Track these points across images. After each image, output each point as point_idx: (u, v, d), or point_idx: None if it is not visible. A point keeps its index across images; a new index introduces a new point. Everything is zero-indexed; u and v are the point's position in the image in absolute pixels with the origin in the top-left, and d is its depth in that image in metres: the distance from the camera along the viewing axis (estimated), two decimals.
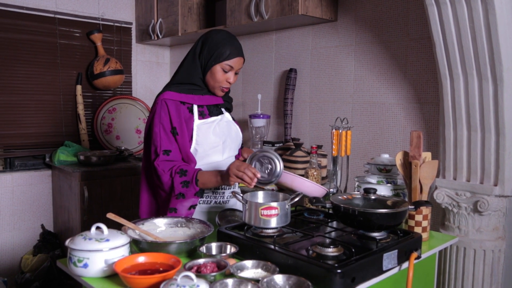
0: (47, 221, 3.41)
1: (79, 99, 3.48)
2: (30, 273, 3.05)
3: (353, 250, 1.24)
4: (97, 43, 3.55)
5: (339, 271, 1.14)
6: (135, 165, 3.23)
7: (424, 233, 1.61)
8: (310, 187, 1.73)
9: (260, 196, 1.55)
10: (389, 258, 1.30)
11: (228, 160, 1.81)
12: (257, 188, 1.95)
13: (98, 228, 1.29)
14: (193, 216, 1.73)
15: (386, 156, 1.95)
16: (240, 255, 1.34)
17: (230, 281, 1.12)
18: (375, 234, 1.39)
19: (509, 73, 1.80)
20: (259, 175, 1.55)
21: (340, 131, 1.96)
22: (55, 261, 2.92)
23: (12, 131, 3.26)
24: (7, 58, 3.20)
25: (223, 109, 1.88)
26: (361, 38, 2.59)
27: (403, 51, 2.40)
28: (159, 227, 1.54)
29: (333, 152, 1.98)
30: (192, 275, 1.07)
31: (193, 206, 1.72)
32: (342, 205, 1.40)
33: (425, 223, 1.61)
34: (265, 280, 1.12)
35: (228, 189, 1.81)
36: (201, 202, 1.77)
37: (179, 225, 1.56)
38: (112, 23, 3.67)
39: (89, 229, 1.29)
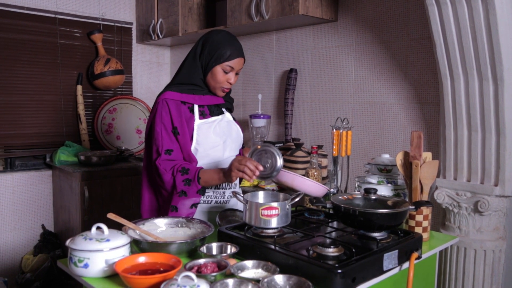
0: (48, 221, 3.41)
1: (80, 99, 3.49)
2: (31, 273, 3.05)
3: (354, 250, 1.24)
4: (98, 43, 3.55)
5: (339, 271, 1.14)
6: (136, 165, 3.23)
7: (425, 233, 1.61)
8: (311, 186, 1.73)
9: (261, 196, 1.55)
10: (390, 258, 1.30)
11: (228, 159, 1.81)
12: (257, 188, 1.96)
13: (98, 228, 1.29)
14: (193, 216, 1.73)
15: (386, 156, 1.95)
16: (241, 255, 1.34)
17: (230, 281, 1.12)
18: (375, 234, 1.39)
19: (510, 73, 1.80)
20: (260, 168, 1.56)
21: (341, 131, 1.96)
22: (56, 261, 2.93)
23: (12, 131, 3.26)
24: (8, 58, 3.20)
25: (224, 109, 1.88)
26: (362, 38, 2.59)
27: (404, 51, 2.40)
28: (160, 227, 1.54)
29: (334, 152, 1.98)
30: (193, 275, 1.07)
31: (194, 205, 1.72)
32: (342, 205, 1.40)
33: (425, 223, 1.61)
34: (265, 280, 1.12)
35: (229, 188, 1.82)
36: (201, 201, 1.77)
37: (179, 225, 1.56)
38: (112, 23, 3.67)
39: (89, 229, 1.30)
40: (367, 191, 1.50)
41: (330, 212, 1.64)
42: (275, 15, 2.60)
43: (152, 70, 3.99)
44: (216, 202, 1.80)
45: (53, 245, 3.24)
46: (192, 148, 1.74)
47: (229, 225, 1.53)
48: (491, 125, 1.89)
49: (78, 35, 3.51)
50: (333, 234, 1.47)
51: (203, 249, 1.35)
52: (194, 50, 1.79)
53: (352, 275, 1.17)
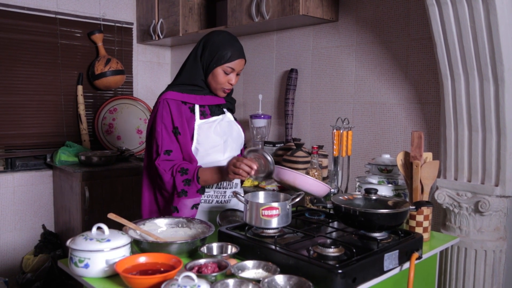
0: (48, 221, 3.41)
1: (80, 99, 3.49)
2: (31, 273, 3.05)
3: (354, 250, 1.24)
4: (98, 44, 3.55)
5: (340, 271, 1.14)
6: (136, 165, 3.23)
7: (425, 234, 1.61)
8: (313, 185, 1.72)
9: (261, 196, 1.55)
10: (390, 259, 1.30)
11: (229, 159, 1.82)
12: (258, 188, 1.96)
13: (99, 228, 1.29)
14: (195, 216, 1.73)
15: (387, 156, 1.95)
16: (241, 255, 1.34)
17: (231, 282, 1.12)
18: (376, 235, 1.39)
19: (510, 73, 1.80)
20: (255, 166, 1.57)
21: (341, 131, 1.96)
22: (56, 261, 2.93)
23: (13, 131, 3.26)
24: (8, 59, 3.20)
25: (225, 109, 1.88)
26: (362, 38, 2.58)
27: (404, 51, 2.40)
28: (160, 227, 1.54)
29: (334, 152, 1.98)
30: (193, 275, 1.07)
31: (195, 206, 1.72)
32: (343, 206, 1.40)
33: (426, 224, 1.61)
34: (266, 280, 1.12)
35: (230, 188, 1.82)
36: (202, 201, 1.77)
37: (180, 225, 1.56)
38: (113, 24, 3.67)
39: (90, 229, 1.30)
40: (368, 191, 1.50)
41: (331, 212, 1.63)
42: (276, 15, 2.61)
43: (152, 70, 3.99)
44: (217, 201, 1.80)
45: (54, 245, 3.24)
46: (193, 148, 1.74)
47: (230, 225, 1.53)
48: (491, 125, 1.89)
49: (78, 35, 3.51)
50: (334, 234, 1.47)
51: (204, 249, 1.35)
52: (195, 51, 1.79)
53: (352, 275, 1.17)
